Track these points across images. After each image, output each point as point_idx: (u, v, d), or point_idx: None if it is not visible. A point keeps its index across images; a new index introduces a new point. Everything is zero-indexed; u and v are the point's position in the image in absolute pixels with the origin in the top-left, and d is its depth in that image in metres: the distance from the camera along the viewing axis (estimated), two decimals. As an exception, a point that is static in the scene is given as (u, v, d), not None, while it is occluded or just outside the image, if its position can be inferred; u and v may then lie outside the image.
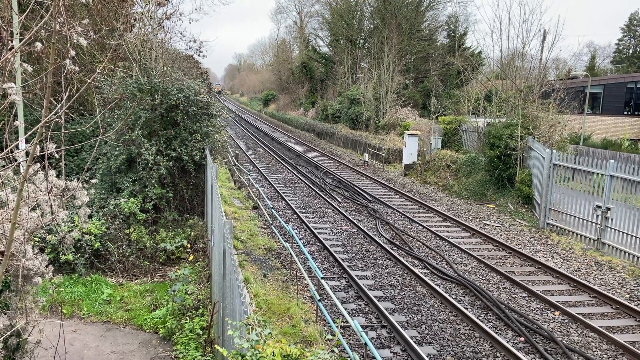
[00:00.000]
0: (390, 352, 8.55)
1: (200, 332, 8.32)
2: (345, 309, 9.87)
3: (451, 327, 9.61)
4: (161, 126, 13.50)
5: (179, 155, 13.16)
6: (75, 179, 5.91)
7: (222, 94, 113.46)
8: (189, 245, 12.17)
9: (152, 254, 12.03)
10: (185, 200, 13.69)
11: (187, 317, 8.94)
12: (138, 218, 12.20)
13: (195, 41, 18.20)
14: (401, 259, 12.99)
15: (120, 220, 11.98)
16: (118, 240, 11.73)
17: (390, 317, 9.49)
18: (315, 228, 15.69)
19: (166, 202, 13.06)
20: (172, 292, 9.49)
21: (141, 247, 11.95)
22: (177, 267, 11.70)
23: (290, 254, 11.43)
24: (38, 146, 4.45)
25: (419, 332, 9.34)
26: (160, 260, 12.09)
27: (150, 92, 13.43)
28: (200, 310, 9.00)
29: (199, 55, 18.76)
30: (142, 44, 15.47)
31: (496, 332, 9.39)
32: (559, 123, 20.51)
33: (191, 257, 11.47)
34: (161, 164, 12.78)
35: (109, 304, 10.18)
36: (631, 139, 36.54)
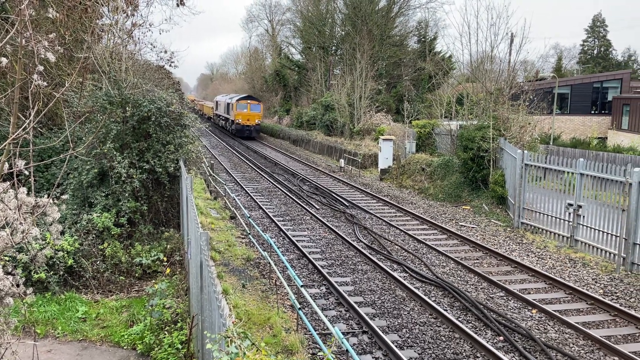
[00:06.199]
0: (372, 358, 8.56)
1: (180, 347, 8.19)
2: (326, 316, 9.85)
3: (432, 329, 9.67)
4: (133, 138, 13.31)
5: (153, 167, 12.99)
6: (46, 195, 5.77)
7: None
8: (165, 259, 11.99)
9: (127, 268, 11.81)
10: (160, 213, 13.50)
11: (166, 332, 8.79)
12: (112, 233, 11.97)
13: (166, 52, 18.01)
14: (380, 263, 13.04)
15: (94, 235, 11.74)
16: (92, 256, 11.48)
17: (371, 322, 9.51)
18: (294, 236, 15.64)
19: (141, 215, 12.85)
20: (150, 307, 9.33)
21: (116, 262, 11.72)
22: (153, 281, 11.50)
23: (269, 263, 11.37)
24: (6, 163, 4.34)
25: (400, 336, 9.37)
26: (136, 274, 11.87)
27: (121, 104, 13.23)
28: (179, 324, 8.87)
29: (170, 65, 18.56)
30: (111, 56, 15.26)
31: (476, 333, 9.48)
32: (529, 124, 20.94)
33: (168, 271, 11.29)
34: (134, 176, 12.58)
35: (85, 322, 9.94)
36: (599, 137, 37.54)
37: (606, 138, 38.03)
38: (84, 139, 13.04)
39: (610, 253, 13.51)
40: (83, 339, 9.45)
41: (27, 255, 9.56)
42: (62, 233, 12.06)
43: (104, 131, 12.82)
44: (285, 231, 15.97)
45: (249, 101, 47.91)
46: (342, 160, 31.63)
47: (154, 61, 19.93)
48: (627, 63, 68.03)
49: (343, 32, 52.96)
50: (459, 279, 12.44)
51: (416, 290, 11.23)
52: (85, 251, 11.41)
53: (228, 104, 51.57)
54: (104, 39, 17.13)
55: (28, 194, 5.37)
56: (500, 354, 8.41)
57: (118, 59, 15.31)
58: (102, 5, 15.86)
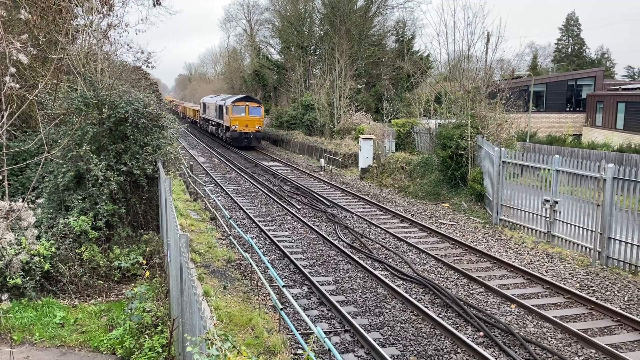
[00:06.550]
0: (355, 356, 8.58)
1: (161, 350, 8.10)
2: (308, 315, 9.85)
3: (413, 326, 9.74)
4: (110, 140, 13.13)
5: (130, 169, 12.83)
6: (21, 199, 5.67)
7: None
8: (144, 262, 11.85)
9: (106, 272, 11.64)
10: (139, 215, 13.34)
11: (146, 336, 8.69)
12: (90, 236, 11.79)
13: (142, 52, 17.82)
14: (361, 262, 13.09)
15: (71, 239, 11.55)
16: (69, 260, 11.29)
17: (353, 321, 9.54)
18: (275, 236, 15.60)
19: (119, 218, 12.68)
20: (129, 311, 9.21)
21: (94, 266, 11.55)
22: (133, 284, 11.35)
23: (250, 264, 11.32)
24: (-24, 167, 4.24)
25: (382, 334, 9.42)
26: (115, 278, 11.71)
27: (97, 106, 13.04)
28: (160, 328, 8.77)
29: (147, 66, 18.40)
30: (86, 57, 15.02)
31: (456, 329, 9.58)
32: (506, 122, 21.23)
33: (147, 274, 11.16)
34: (112, 179, 12.41)
35: (63, 327, 9.77)
36: (574, 134, 38.26)
37: (581, 135, 38.77)
38: (59, 141, 12.81)
39: (586, 247, 13.77)
40: (61, 345, 9.29)
41: (1, 260, 9.37)
42: (38, 237, 11.81)
43: (80, 133, 12.62)
44: (267, 232, 15.93)
45: (247, 103, 39.92)
46: (322, 160, 31.66)
47: (131, 62, 19.73)
48: (600, 61, 69.46)
49: (322, 32, 53.00)
50: (439, 276, 12.56)
51: (397, 288, 11.30)
52: (62, 255, 11.22)
53: (220, 106, 43.58)
54: (78, 39, 16.88)
55: (2, 198, 5.27)
56: (480, 349, 8.52)
57: (93, 60, 15.10)
58: (77, 6, 15.61)
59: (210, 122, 50.44)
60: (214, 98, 50.27)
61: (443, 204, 20.76)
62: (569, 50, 72.62)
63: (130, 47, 18.24)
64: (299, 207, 20.06)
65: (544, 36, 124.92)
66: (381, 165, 26.58)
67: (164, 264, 11.35)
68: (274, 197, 21.57)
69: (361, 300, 10.94)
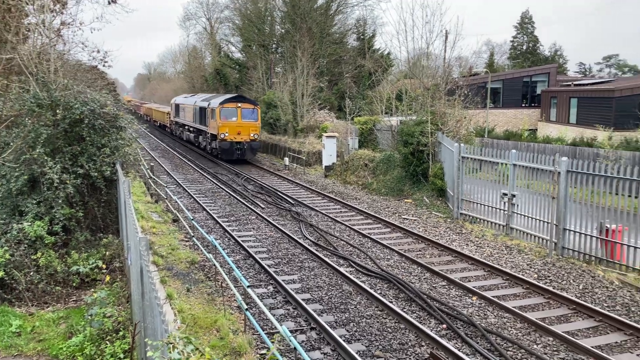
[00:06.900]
0: (321, 353, 8.61)
1: (122, 356, 7.93)
2: (274, 315, 9.83)
3: (378, 321, 9.84)
4: (65, 142, 12.74)
5: (87, 171, 12.49)
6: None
7: None
8: (104, 266, 11.56)
9: (64, 278, 11.29)
10: (97, 219, 13.00)
11: (107, 342, 8.48)
12: (46, 242, 11.41)
13: (98, 51, 17.29)
14: (326, 259, 13.14)
15: (26, 245, 11.15)
16: (25, 267, 10.90)
17: (318, 318, 9.56)
18: (240, 236, 15.48)
19: (76, 222, 12.32)
20: (89, 317, 8.97)
21: (51, 273, 11.18)
22: (92, 290, 11.05)
23: (214, 265, 11.20)
24: None
25: (347, 331, 9.48)
26: (74, 284, 11.38)
27: (50, 107, 12.63)
28: (121, 333, 8.58)
29: (103, 65, 17.89)
30: (39, 57, 14.51)
31: (420, 322, 9.73)
32: (465, 118, 21.69)
33: (107, 278, 10.89)
34: (68, 182, 12.04)
35: (19, 336, 9.43)
36: (530, 129, 39.42)
37: (536, 129, 39.99)
38: (11, 144, 12.35)
39: (542, 239, 14.22)
40: (18, 354, 8.97)
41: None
42: (-9, 245, 11.35)
43: (33, 135, 12.20)
44: (231, 232, 15.78)
45: (239, 104, 31.25)
46: (286, 159, 31.58)
47: (86, 61, 19.14)
48: (554, 58, 71.71)
49: (283, 30, 52.81)
50: (403, 270, 12.73)
51: (362, 284, 11.39)
52: (17, 262, 10.82)
53: (202, 109, 34.68)
54: (30, 39, 16.27)
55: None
56: (443, 341, 8.68)
57: (46, 60, 14.59)
58: (27, 4, 15.06)
59: (186, 128, 41.32)
60: (190, 98, 41.51)
61: (406, 200, 21.04)
62: (524, 47, 74.66)
63: (86, 46, 17.63)
64: (263, 206, 19.96)
65: (500, 33, 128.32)
66: (345, 163, 26.72)
67: (125, 268, 11.10)
68: (238, 197, 21.40)
69: (327, 298, 10.98)
